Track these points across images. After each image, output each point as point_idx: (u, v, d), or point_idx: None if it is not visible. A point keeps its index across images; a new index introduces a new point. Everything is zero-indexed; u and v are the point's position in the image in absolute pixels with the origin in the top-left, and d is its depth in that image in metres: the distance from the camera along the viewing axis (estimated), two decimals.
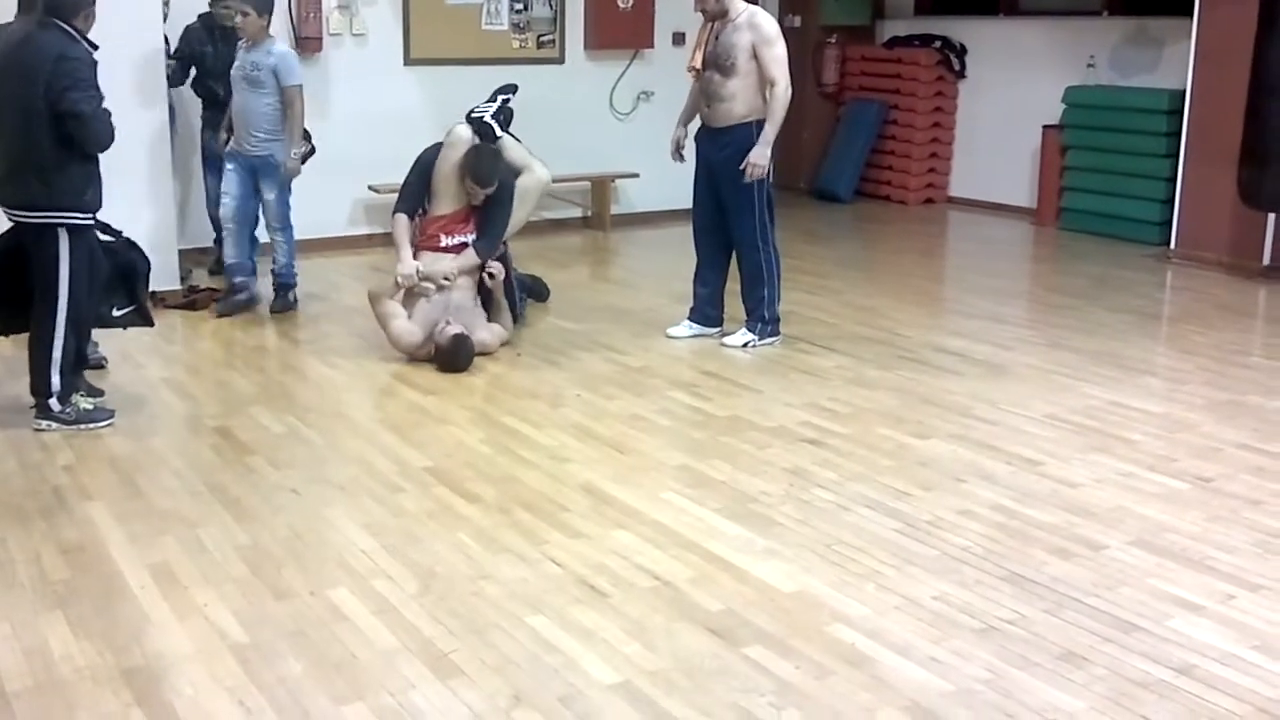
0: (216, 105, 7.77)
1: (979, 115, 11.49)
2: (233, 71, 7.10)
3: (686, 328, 6.93)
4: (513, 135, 6.89)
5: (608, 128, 10.36)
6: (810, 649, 3.52)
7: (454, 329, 6.20)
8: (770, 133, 6.39)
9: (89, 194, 5.18)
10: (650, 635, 3.59)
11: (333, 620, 3.67)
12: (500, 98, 6.92)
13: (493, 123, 6.68)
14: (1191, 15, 8.94)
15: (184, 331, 7.01)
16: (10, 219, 5.22)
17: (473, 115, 6.71)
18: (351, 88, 9.21)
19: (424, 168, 6.57)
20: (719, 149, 6.54)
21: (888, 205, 11.75)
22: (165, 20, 7.59)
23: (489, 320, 6.54)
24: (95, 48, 5.16)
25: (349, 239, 9.26)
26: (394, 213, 6.58)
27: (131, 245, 5.62)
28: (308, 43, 8.88)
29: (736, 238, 6.69)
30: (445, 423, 5.47)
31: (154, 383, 6.03)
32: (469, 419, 5.54)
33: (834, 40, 12.01)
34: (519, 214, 6.75)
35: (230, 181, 7.18)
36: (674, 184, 10.56)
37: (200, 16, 7.99)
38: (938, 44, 11.59)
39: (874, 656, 3.48)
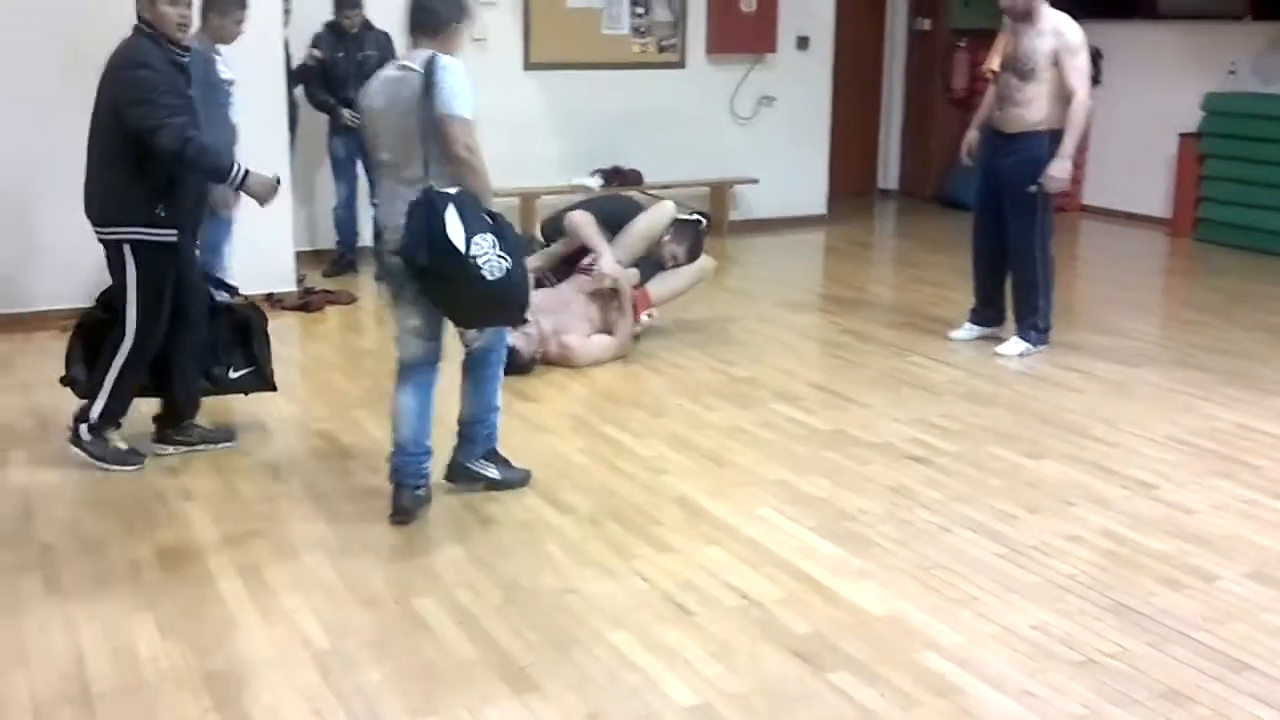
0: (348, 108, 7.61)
1: (1114, 122, 11.11)
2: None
3: (967, 330, 6.95)
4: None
5: (728, 133, 10.28)
6: (898, 677, 3.40)
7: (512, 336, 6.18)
8: (1070, 144, 6.30)
9: (161, 209, 4.73)
10: (734, 656, 3.51)
11: (415, 630, 3.65)
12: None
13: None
14: None
15: (299, 333, 7.12)
16: (98, 238, 4.85)
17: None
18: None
19: (615, 217, 6.79)
20: (1005, 154, 6.47)
21: None
22: (286, 25, 7.68)
23: (602, 330, 6.48)
24: (185, 50, 4.79)
25: None
26: (577, 209, 6.91)
27: (249, 303, 5.38)
28: None
29: (1012, 244, 6.64)
30: (544, 430, 5.45)
31: None
32: (569, 427, 5.51)
33: (964, 44, 11.71)
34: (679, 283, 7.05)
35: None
36: (794, 191, 10.55)
37: (326, 24, 8.11)
38: None
39: (964, 687, 3.35)
